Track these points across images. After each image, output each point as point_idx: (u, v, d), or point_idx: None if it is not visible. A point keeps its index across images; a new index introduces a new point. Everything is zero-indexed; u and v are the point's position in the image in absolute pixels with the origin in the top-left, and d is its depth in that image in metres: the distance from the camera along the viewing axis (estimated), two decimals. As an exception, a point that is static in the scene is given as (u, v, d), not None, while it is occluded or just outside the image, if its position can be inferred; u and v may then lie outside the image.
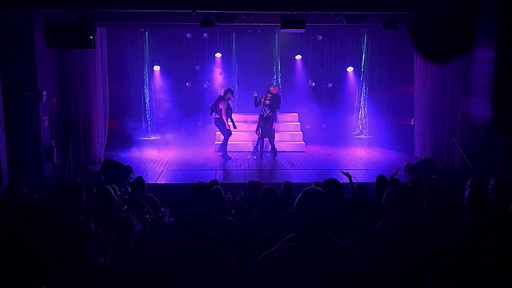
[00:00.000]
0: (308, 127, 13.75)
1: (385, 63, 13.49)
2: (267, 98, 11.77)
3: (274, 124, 12.07)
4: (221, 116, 11.66)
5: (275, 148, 12.15)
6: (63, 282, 3.14)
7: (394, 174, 6.24)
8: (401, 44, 12.27)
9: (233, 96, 12.03)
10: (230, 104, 11.91)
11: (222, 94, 11.87)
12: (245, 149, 12.49)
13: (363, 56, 13.70)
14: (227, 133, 11.82)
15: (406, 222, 3.87)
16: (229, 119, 11.74)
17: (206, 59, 13.61)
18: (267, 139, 12.05)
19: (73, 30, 8.19)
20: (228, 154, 11.90)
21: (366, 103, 13.93)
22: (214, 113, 11.79)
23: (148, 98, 13.52)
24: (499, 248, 2.31)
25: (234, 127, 11.91)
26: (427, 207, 5.04)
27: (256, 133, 12.15)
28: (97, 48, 10.51)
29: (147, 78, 13.41)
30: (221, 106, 11.62)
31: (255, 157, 12.05)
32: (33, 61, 9.27)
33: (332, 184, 4.24)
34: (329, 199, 2.54)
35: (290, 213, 4.40)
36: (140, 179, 7.67)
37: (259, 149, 12.03)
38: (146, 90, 13.47)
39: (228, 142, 11.97)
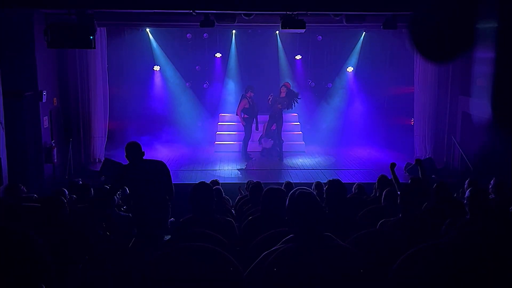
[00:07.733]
0: (308, 127, 13.75)
1: (385, 63, 13.48)
2: (280, 96, 11.58)
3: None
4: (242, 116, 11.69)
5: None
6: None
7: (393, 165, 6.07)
8: (401, 44, 12.27)
9: (252, 92, 11.65)
10: (250, 101, 11.60)
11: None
12: (250, 149, 12.40)
13: (363, 56, 13.68)
14: (247, 133, 11.75)
15: (406, 222, 3.87)
16: (244, 115, 11.64)
17: (206, 59, 13.62)
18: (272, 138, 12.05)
19: (73, 30, 8.17)
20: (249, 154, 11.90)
21: (366, 103, 13.93)
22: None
23: (148, 98, 13.51)
24: (499, 248, 2.31)
25: (256, 128, 11.85)
26: (427, 207, 5.05)
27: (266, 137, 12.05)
28: (97, 48, 10.50)
29: (147, 78, 13.40)
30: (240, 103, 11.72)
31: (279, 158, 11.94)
32: (33, 61, 9.27)
33: (335, 184, 4.23)
34: (314, 195, 2.54)
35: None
36: None
37: (278, 149, 11.96)
38: (146, 90, 13.46)
39: (231, 142, 11.91)
